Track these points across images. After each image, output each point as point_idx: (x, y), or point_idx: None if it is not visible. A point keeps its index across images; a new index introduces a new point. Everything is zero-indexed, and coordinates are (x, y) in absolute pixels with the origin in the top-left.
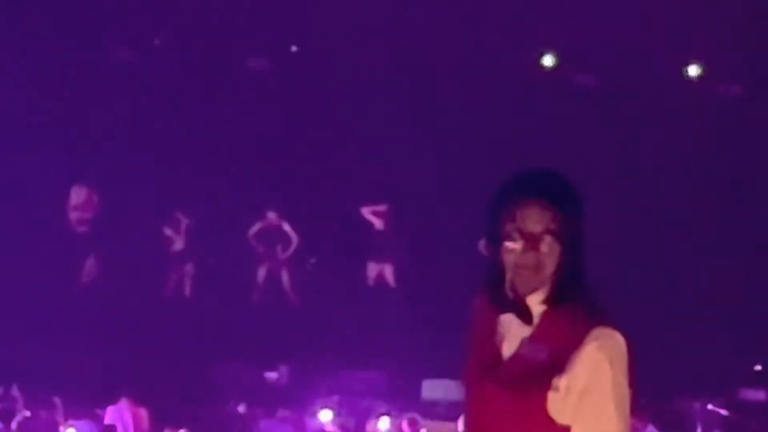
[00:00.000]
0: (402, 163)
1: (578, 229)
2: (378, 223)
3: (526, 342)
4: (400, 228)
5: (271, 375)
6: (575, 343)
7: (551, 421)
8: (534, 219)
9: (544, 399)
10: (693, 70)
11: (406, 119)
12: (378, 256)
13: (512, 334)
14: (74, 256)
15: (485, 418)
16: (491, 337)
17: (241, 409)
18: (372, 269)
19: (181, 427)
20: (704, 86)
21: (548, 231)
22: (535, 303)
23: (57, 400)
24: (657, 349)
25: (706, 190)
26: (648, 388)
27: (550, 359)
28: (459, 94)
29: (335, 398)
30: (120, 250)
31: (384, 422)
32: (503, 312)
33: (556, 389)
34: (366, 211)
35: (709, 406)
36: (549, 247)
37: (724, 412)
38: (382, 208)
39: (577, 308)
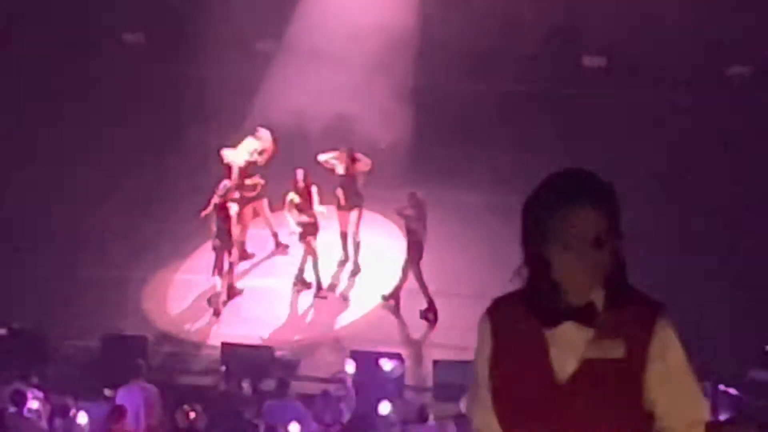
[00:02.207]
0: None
1: (620, 222)
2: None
3: (592, 344)
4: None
5: (282, 353)
6: (647, 330)
7: (644, 412)
8: (592, 221)
9: (640, 394)
10: None
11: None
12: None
13: (569, 343)
14: None
15: None
16: (543, 356)
17: (253, 387)
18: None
19: (192, 407)
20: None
21: (605, 230)
22: (596, 302)
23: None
24: None
25: (720, 174)
26: None
27: (627, 353)
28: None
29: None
30: None
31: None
32: (558, 324)
33: (649, 380)
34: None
35: (720, 387)
36: (609, 246)
37: (734, 392)
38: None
39: (632, 297)
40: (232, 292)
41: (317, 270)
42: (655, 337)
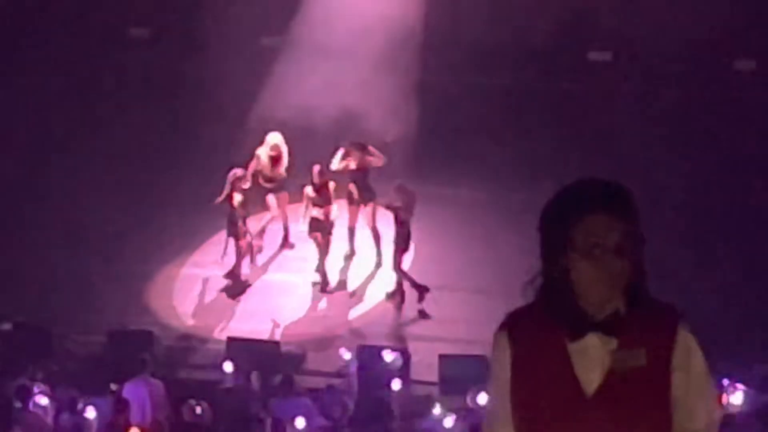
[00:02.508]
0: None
1: (640, 229)
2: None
3: (615, 355)
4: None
5: (288, 348)
6: (670, 337)
7: (668, 418)
8: (612, 229)
9: (665, 400)
10: None
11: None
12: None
13: (593, 355)
14: None
15: None
16: (568, 370)
17: (259, 382)
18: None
19: (198, 402)
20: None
21: (626, 238)
22: (619, 311)
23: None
24: None
25: (724, 167)
26: None
27: (650, 361)
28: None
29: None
30: None
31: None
32: (583, 336)
33: (672, 387)
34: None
35: (725, 382)
36: (630, 254)
37: (741, 387)
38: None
39: (652, 305)
40: (236, 286)
41: (323, 265)
42: (678, 344)
